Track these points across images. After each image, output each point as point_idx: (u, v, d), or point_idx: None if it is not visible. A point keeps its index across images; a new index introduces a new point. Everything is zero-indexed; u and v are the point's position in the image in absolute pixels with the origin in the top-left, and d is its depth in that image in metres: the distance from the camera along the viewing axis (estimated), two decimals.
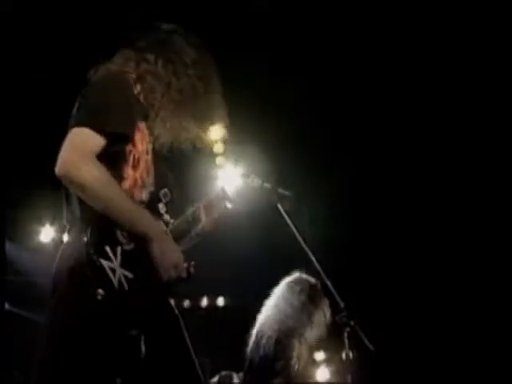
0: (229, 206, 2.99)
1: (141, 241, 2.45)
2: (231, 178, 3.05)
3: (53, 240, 7.19)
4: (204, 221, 2.86)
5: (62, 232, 2.58)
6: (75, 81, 2.69)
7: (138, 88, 2.61)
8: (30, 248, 7.41)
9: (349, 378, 2.91)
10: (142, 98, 2.61)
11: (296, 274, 3.75)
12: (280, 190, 3.07)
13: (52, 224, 7.28)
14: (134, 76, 2.61)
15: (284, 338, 3.53)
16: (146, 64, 2.65)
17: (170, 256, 2.48)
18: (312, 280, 3.67)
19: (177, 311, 2.64)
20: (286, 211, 3.00)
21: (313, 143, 6.27)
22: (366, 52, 5.52)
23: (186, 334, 2.61)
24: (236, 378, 5.58)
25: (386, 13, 5.18)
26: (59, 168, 2.36)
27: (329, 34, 5.40)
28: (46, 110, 5.49)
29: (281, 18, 5.30)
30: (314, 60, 5.62)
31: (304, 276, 3.71)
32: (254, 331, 3.61)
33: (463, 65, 5.40)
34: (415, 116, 5.87)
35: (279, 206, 3.01)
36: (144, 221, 2.47)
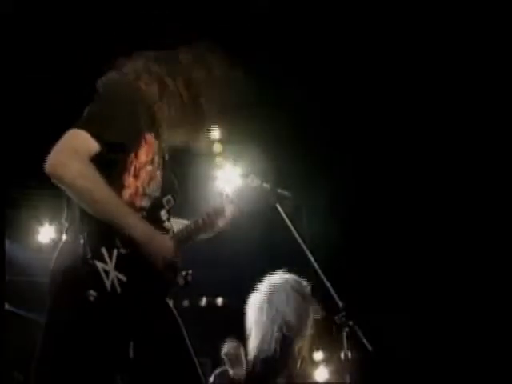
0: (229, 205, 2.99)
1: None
2: (230, 178, 3.05)
3: (52, 240, 7.21)
4: (215, 227, 2.86)
5: (62, 231, 2.57)
6: (75, 81, 2.68)
7: (147, 99, 2.60)
8: (29, 248, 7.42)
9: (347, 378, 2.90)
10: (152, 108, 2.60)
11: (280, 274, 3.70)
12: (279, 191, 3.06)
13: (51, 224, 7.30)
14: (143, 87, 2.59)
15: (285, 338, 3.52)
16: (154, 75, 2.62)
17: (160, 255, 2.44)
18: (296, 276, 3.64)
19: (176, 312, 2.63)
20: (285, 211, 2.99)
21: (313, 143, 6.28)
22: (366, 52, 5.52)
23: (185, 335, 2.61)
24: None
25: (386, 12, 5.19)
26: (47, 165, 2.34)
27: (329, 34, 5.40)
28: (46, 110, 5.49)
29: (281, 18, 5.30)
30: (314, 60, 5.62)
31: (287, 274, 3.67)
32: (252, 333, 3.59)
33: (463, 66, 5.40)
34: (415, 116, 5.88)
35: (278, 206, 3.00)
36: (129, 222, 2.41)
